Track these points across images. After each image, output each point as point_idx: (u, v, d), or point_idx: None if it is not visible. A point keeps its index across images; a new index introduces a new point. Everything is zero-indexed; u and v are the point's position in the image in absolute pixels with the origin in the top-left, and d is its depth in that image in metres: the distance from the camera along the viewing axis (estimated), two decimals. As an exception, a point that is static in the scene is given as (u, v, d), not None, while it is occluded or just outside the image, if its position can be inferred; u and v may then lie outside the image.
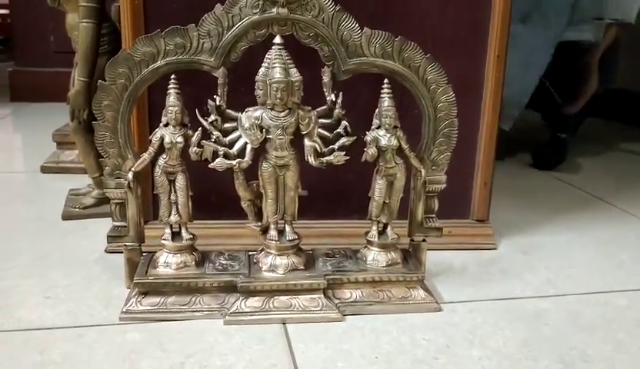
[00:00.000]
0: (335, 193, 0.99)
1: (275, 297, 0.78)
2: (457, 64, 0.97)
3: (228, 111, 0.77)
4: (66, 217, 1.11)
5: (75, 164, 1.39)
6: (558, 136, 1.58)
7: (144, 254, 0.83)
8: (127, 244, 0.82)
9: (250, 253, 0.85)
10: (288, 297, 0.79)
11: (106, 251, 0.95)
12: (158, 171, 0.79)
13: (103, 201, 1.12)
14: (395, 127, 0.80)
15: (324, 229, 1.00)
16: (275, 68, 0.74)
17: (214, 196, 0.95)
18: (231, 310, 0.77)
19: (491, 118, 1.01)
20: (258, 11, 0.75)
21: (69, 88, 1.09)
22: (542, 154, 1.58)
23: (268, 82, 0.75)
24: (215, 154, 0.77)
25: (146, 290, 0.78)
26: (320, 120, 0.79)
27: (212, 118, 0.77)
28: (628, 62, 2.09)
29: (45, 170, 1.40)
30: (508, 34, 0.97)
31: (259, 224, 0.83)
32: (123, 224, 0.82)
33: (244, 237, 0.91)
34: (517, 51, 1.12)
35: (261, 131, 0.76)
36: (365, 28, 0.77)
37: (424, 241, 0.86)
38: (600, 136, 1.96)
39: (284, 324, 0.77)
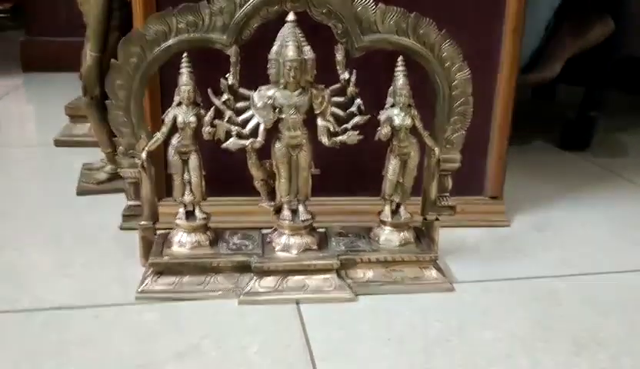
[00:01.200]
0: (349, 170, 0.98)
1: (289, 277, 0.79)
2: (472, 38, 0.93)
3: (241, 89, 0.77)
4: (81, 192, 1.12)
5: (88, 137, 1.38)
6: (586, 114, 1.49)
7: (158, 232, 0.84)
8: (141, 223, 0.82)
9: (263, 231, 0.85)
10: (301, 277, 0.79)
11: (120, 228, 0.96)
12: (171, 151, 0.79)
13: (116, 175, 1.12)
14: (409, 105, 0.79)
15: (337, 206, 0.99)
16: (288, 46, 0.73)
17: (226, 172, 0.95)
18: (245, 290, 0.77)
19: (506, 93, 0.99)
20: (271, -13, 0.73)
21: (81, 63, 1.09)
22: (569, 134, 1.50)
23: (281, 61, 0.74)
24: (228, 134, 0.77)
25: (161, 270, 0.79)
26: (333, 98, 0.78)
27: (225, 97, 0.76)
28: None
29: (58, 143, 1.41)
30: (525, 7, 0.94)
31: (272, 203, 0.83)
32: (137, 203, 0.82)
33: (256, 214, 0.91)
34: None
35: (274, 111, 0.76)
36: (380, 4, 0.75)
37: (437, 219, 0.86)
38: (619, 108, 1.91)
39: (297, 303, 0.77)
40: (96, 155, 1.23)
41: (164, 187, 0.95)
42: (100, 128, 1.11)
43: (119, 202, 1.02)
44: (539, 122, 1.77)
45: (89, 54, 1.03)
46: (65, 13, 2.26)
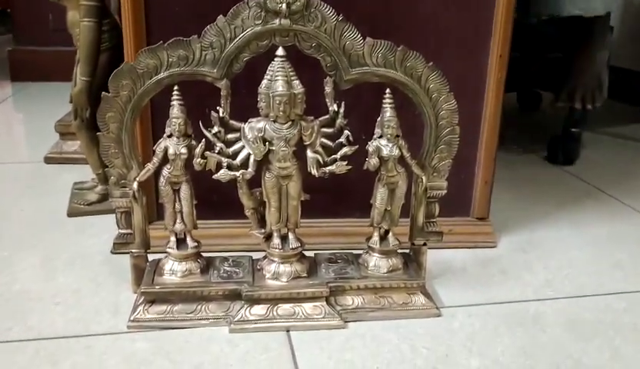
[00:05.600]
0: (337, 192, 0.99)
1: (279, 305, 0.80)
2: (460, 64, 0.97)
3: (232, 121, 0.78)
4: (72, 213, 1.13)
5: (79, 154, 1.39)
6: (570, 131, 1.52)
7: (149, 256, 0.85)
8: (133, 251, 0.83)
9: (253, 257, 0.87)
10: (291, 305, 0.80)
11: (112, 252, 0.97)
12: (162, 181, 0.80)
13: (107, 196, 1.13)
14: (397, 136, 0.81)
15: (326, 228, 1.01)
16: (277, 80, 0.75)
17: (216, 196, 0.96)
18: (236, 319, 0.79)
19: (492, 117, 1.01)
20: (260, 22, 0.75)
21: (72, 83, 1.09)
22: (554, 149, 1.53)
23: (270, 95, 0.75)
24: (219, 165, 0.78)
25: (153, 299, 0.80)
26: (322, 129, 0.80)
27: (216, 129, 0.77)
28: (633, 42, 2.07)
29: (48, 160, 1.41)
30: (511, 34, 0.96)
31: (262, 231, 0.84)
32: (129, 231, 0.83)
33: (246, 237, 0.92)
34: None
35: (264, 144, 0.77)
36: (368, 38, 0.77)
37: (424, 245, 0.88)
38: (611, 120, 1.94)
39: (287, 331, 0.79)
40: (87, 172, 1.24)
41: (155, 210, 0.97)
42: (91, 150, 1.12)
43: (110, 224, 1.03)
44: (526, 133, 1.80)
45: (79, 79, 1.04)
46: (54, 22, 2.26)
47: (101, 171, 1.14)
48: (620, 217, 1.20)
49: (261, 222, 0.84)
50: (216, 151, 0.77)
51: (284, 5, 0.73)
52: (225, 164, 0.77)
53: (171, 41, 0.75)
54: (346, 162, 0.79)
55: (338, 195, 1.00)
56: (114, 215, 0.84)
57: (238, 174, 0.78)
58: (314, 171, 0.79)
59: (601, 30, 1.45)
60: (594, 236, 1.10)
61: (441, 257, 0.97)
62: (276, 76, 0.75)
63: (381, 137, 0.81)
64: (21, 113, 2.01)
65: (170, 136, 0.78)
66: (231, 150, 0.78)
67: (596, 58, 1.47)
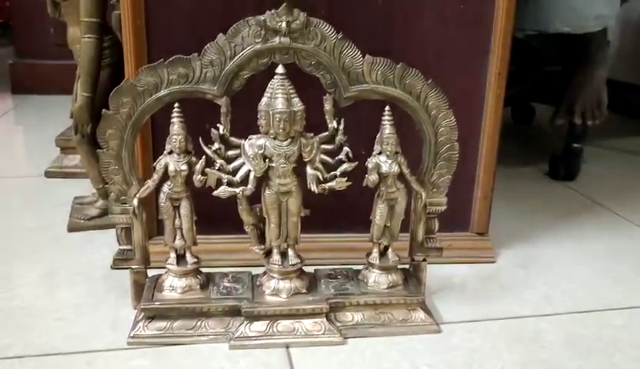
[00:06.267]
0: (337, 208, 0.99)
1: (279, 322, 0.80)
2: (459, 81, 0.98)
3: (232, 138, 0.78)
4: (72, 228, 1.13)
5: (79, 168, 1.40)
6: (571, 146, 1.51)
7: (149, 272, 0.85)
8: (133, 267, 0.83)
9: (253, 273, 0.87)
10: (291, 321, 0.80)
11: (112, 268, 0.97)
12: (162, 197, 0.80)
13: (107, 211, 1.14)
14: (396, 153, 0.81)
15: (326, 243, 1.01)
16: (277, 98, 0.75)
17: (215, 211, 0.97)
18: (235, 335, 0.79)
19: (491, 133, 1.01)
20: (260, 40, 0.75)
21: (73, 98, 1.10)
22: (556, 164, 1.53)
23: (270, 112, 0.75)
24: (219, 182, 0.78)
25: (152, 315, 0.80)
26: (322, 146, 0.80)
27: (216, 146, 0.77)
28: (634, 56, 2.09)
29: (49, 174, 1.42)
30: (510, 52, 0.97)
31: (262, 246, 0.84)
32: (129, 247, 0.83)
33: (246, 251, 0.92)
34: None
35: (264, 160, 0.77)
36: (367, 56, 0.78)
37: (424, 260, 0.88)
38: (611, 133, 1.94)
39: (287, 348, 0.79)
40: (87, 186, 1.25)
41: (155, 226, 0.97)
42: (91, 164, 1.12)
43: (110, 239, 1.04)
44: (524, 147, 1.80)
45: (80, 95, 1.04)
46: (55, 36, 2.27)
47: (102, 185, 1.14)
48: (620, 231, 1.21)
49: (261, 238, 0.84)
50: (216, 168, 0.78)
51: (284, 24, 0.74)
52: (225, 181, 0.78)
53: (171, 59, 0.75)
54: (346, 178, 0.80)
55: (338, 211, 1.01)
56: (114, 230, 0.84)
57: (238, 190, 0.78)
58: (313, 188, 0.79)
59: (598, 46, 1.45)
60: (593, 250, 1.11)
61: (440, 272, 0.97)
62: (276, 94, 0.75)
63: (380, 153, 0.81)
64: (21, 125, 2.02)
65: (170, 153, 0.79)
66: (231, 166, 0.78)
67: (594, 75, 1.47)
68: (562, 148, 1.52)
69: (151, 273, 0.86)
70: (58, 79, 2.24)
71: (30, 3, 2.28)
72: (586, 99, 1.48)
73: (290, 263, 0.82)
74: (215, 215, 0.94)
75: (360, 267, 0.88)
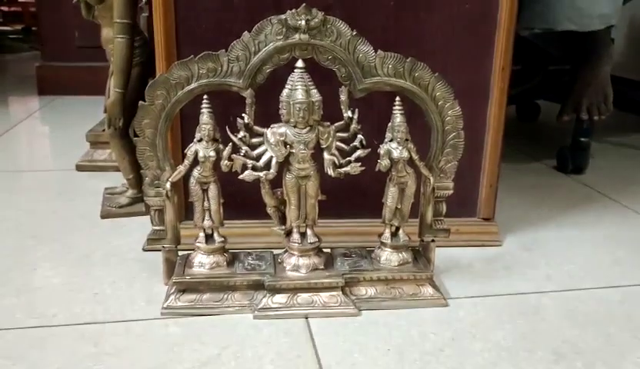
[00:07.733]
0: (352, 195, 1.07)
1: (299, 295, 0.87)
2: (466, 74, 1.04)
3: (256, 127, 0.86)
4: (105, 215, 1.21)
5: (108, 162, 1.48)
6: (579, 140, 1.56)
7: (179, 253, 0.93)
8: (165, 245, 0.91)
9: (274, 252, 0.94)
10: (309, 294, 0.88)
11: (143, 250, 1.05)
12: (192, 181, 0.88)
13: (137, 200, 1.22)
14: (406, 140, 0.88)
15: (341, 228, 1.08)
16: (297, 89, 0.83)
17: (240, 198, 1.04)
18: (259, 306, 0.86)
19: (496, 125, 1.08)
20: (281, 37, 0.83)
21: (106, 95, 1.19)
22: (564, 159, 1.58)
23: (291, 103, 0.83)
24: (244, 167, 0.86)
25: (184, 288, 0.87)
26: (338, 134, 0.87)
27: (241, 134, 0.85)
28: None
29: (79, 168, 1.50)
30: (513, 47, 1.03)
31: (283, 227, 0.92)
32: (162, 228, 0.91)
33: (268, 235, 0.99)
34: None
35: (285, 146, 0.85)
36: (379, 51, 0.85)
37: (433, 241, 0.95)
38: (617, 130, 2.00)
39: (306, 318, 0.86)
40: (116, 179, 1.33)
41: (184, 211, 1.05)
42: (122, 156, 1.21)
43: (140, 225, 1.12)
44: (532, 143, 1.86)
45: (113, 91, 1.12)
46: (79, 39, 2.37)
47: (132, 176, 1.22)
48: (622, 219, 1.27)
49: (282, 219, 0.91)
50: (242, 154, 0.85)
51: (303, 22, 0.81)
52: (249, 166, 0.85)
53: (201, 54, 0.83)
54: (360, 164, 0.87)
55: (353, 197, 1.08)
56: (144, 217, 0.92)
57: (261, 174, 0.85)
58: (330, 172, 0.86)
59: (603, 44, 1.51)
60: (596, 236, 1.17)
61: (448, 254, 1.04)
62: (296, 86, 0.83)
63: (391, 140, 0.88)
64: (47, 125, 2.11)
65: (200, 140, 0.86)
66: (255, 153, 0.86)
67: (600, 72, 1.53)
68: (570, 143, 1.58)
69: (180, 254, 0.93)
70: (82, 81, 2.36)
71: (56, 8, 2.39)
72: (592, 95, 1.53)
73: (309, 241, 0.90)
74: (239, 202, 1.02)
75: (373, 248, 0.95)
